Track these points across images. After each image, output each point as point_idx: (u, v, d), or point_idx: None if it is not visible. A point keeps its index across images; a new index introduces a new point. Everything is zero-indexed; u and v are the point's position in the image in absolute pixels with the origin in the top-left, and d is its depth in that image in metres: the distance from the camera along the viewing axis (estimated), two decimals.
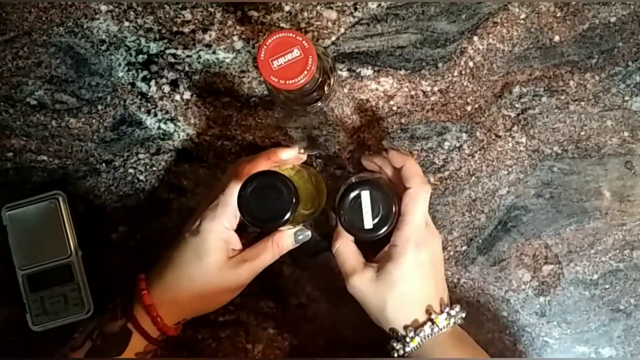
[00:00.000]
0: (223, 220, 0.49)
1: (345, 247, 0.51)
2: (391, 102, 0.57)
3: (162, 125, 0.58)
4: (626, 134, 0.57)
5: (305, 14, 0.57)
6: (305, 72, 0.46)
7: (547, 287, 0.57)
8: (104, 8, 0.58)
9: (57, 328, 0.56)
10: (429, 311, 0.49)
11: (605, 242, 0.57)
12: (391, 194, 0.47)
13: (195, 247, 0.49)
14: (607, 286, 0.57)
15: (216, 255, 0.49)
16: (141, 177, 0.58)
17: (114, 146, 0.58)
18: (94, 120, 0.58)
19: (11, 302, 0.56)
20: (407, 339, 0.48)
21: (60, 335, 0.57)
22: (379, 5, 0.57)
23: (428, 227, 0.50)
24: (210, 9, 0.58)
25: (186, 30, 0.58)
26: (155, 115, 0.58)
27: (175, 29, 0.58)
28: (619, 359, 0.57)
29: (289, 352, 0.57)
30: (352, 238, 0.52)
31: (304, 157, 0.55)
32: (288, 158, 0.52)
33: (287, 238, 0.52)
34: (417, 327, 0.49)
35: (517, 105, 0.57)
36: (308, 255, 0.58)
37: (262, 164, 0.50)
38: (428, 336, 0.48)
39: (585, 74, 0.57)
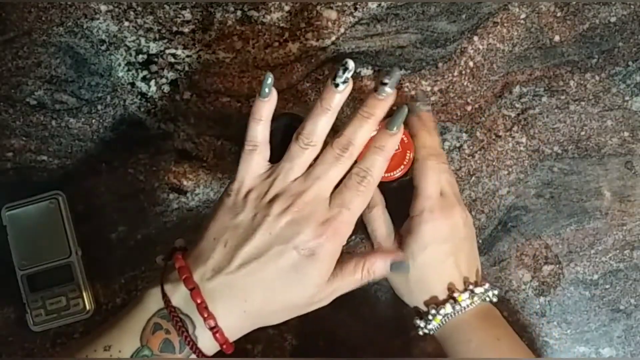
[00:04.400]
0: (343, 241, 0.41)
1: (379, 215, 0.50)
2: None
3: (162, 125, 0.58)
4: (626, 134, 0.57)
5: (305, 13, 0.57)
6: (402, 166, 0.49)
7: (547, 287, 0.57)
8: (103, 8, 0.58)
9: (57, 328, 0.56)
10: (450, 289, 0.48)
11: (605, 242, 0.57)
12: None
13: (305, 269, 0.39)
14: (607, 286, 0.57)
15: (322, 280, 0.40)
16: (141, 177, 0.58)
17: (113, 146, 0.58)
18: (93, 120, 0.58)
19: (11, 302, 0.56)
20: (430, 317, 0.47)
21: (60, 335, 0.57)
22: (379, 5, 0.57)
23: (445, 198, 0.48)
24: (210, 8, 0.58)
25: (186, 30, 0.58)
26: (155, 115, 0.58)
27: (175, 28, 0.58)
28: (619, 359, 0.57)
29: (289, 352, 0.57)
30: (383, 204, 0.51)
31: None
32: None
33: (381, 265, 0.43)
34: (438, 304, 0.47)
35: (517, 105, 0.57)
36: None
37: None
38: (450, 315, 0.46)
39: (586, 74, 0.57)
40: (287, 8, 0.57)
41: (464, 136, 0.57)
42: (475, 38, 0.57)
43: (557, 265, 0.57)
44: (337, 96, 0.41)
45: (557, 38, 0.57)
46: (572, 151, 0.57)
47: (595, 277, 0.57)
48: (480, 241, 0.57)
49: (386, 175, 0.49)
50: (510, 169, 0.57)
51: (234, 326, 0.40)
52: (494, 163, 0.57)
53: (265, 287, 0.39)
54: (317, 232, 0.39)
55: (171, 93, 0.58)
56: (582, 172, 0.57)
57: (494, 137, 0.57)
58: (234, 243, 0.40)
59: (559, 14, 0.57)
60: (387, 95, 0.41)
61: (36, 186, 0.58)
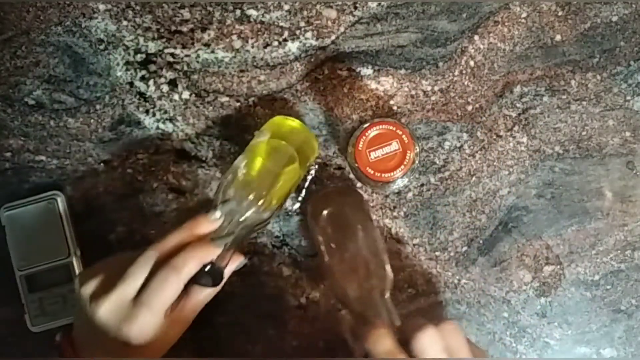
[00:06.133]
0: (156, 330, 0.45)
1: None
2: (391, 102, 0.57)
3: (161, 125, 0.58)
4: (628, 133, 0.57)
5: (305, 12, 0.57)
6: (402, 166, 0.49)
7: (548, 287, 0.57)
8: (102, 7, 0.58)
9: (55, 329, 0.56)
10: None
11: (606, 242, 0.57)
12: None
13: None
14: (608, 287, 0.57)
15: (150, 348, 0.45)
16: (140, 177, 0.58)
17: (112, 146, 0.58)
18: (92, 120, 0.58)
19: (10, 302, 0.56)
20: None
21: None
22: (379, 4, 0.57)
23: None
24: (209, 7, 0.57)
25: (185, 29, 0.57)
26: (154, 115, 0.58)
27: (173, 28, 0.57)
28: None
29: (289, 352, 0.57)
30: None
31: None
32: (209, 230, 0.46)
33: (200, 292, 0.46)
34: None
35: (518, 105, 0.57)
36: (308, 255, 0.57)
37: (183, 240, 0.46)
38: None
39: (587, 73, 0.57)
40: (286, 7, 0.57)
41: (465, 136, 0.57)
42: (476, 37, 0.57)
43: (558, 266, 0.57)
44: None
45: (558, 37, 0.57)
46: (573, 151, 0.57)
47: (597, 277, 0.57)
48: (481, 242, 0.57)
49: (386, 175, 0.49)
50: (511, 169, 0.57)
51: None
52: (494, 163, 0.57)
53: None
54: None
55: (170, 93, 0.58)
56: (584, 172, 0.57)
57: (494, 137, 0.57)
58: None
59: (560, 13, 0.57)
60: (215, 220, 0.45)
61: (35, 186, 0.58)
